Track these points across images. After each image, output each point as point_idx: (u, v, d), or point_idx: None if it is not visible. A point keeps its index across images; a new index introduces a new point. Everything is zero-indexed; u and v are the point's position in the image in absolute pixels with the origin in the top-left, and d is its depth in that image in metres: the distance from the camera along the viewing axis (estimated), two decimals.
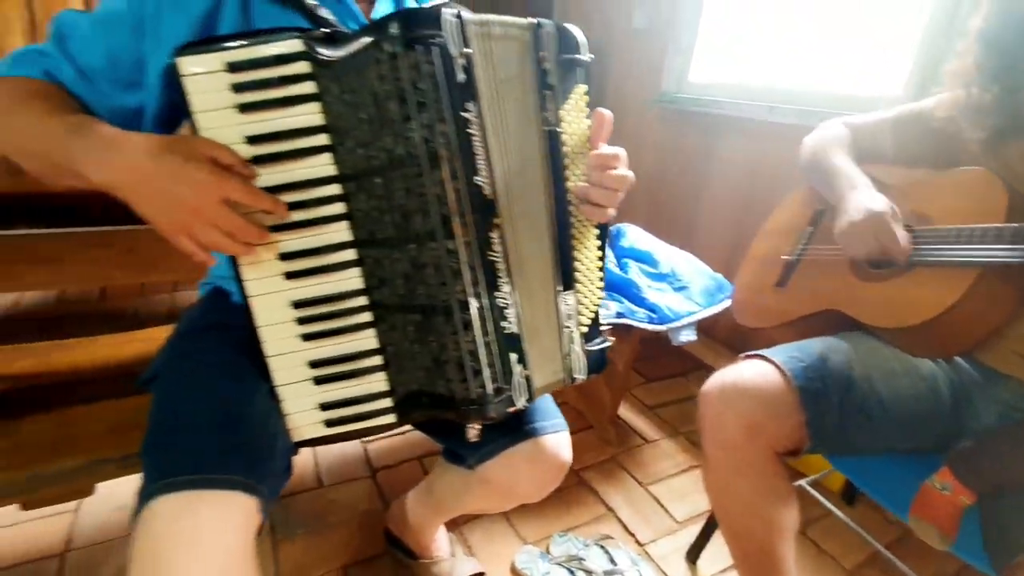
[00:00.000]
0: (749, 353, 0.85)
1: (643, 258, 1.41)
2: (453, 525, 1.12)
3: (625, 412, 1.63)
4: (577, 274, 0.62)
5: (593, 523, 1.23)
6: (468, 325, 0.54)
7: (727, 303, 1.34)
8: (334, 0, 0.65)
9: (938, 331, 0.77)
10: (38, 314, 1.88)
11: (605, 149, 0.60)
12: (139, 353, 0.95)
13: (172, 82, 0.56)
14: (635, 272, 1.35)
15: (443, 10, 0.49)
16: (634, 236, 1.48)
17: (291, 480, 0.67)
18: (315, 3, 0.61)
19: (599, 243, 0.64)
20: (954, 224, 0.76)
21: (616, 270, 1.37)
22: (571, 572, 1.08)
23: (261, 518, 0.56)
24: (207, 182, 0.50)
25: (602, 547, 1.15)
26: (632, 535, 1.21)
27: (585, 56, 0.58)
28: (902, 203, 0.82)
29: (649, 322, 1.24)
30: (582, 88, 0.59)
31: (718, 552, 1.13)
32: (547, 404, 0.76)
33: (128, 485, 1.16)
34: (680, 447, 1.51)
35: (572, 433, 0.86)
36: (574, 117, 0.59)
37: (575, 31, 0.58)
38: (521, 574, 1.08)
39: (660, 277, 1.36)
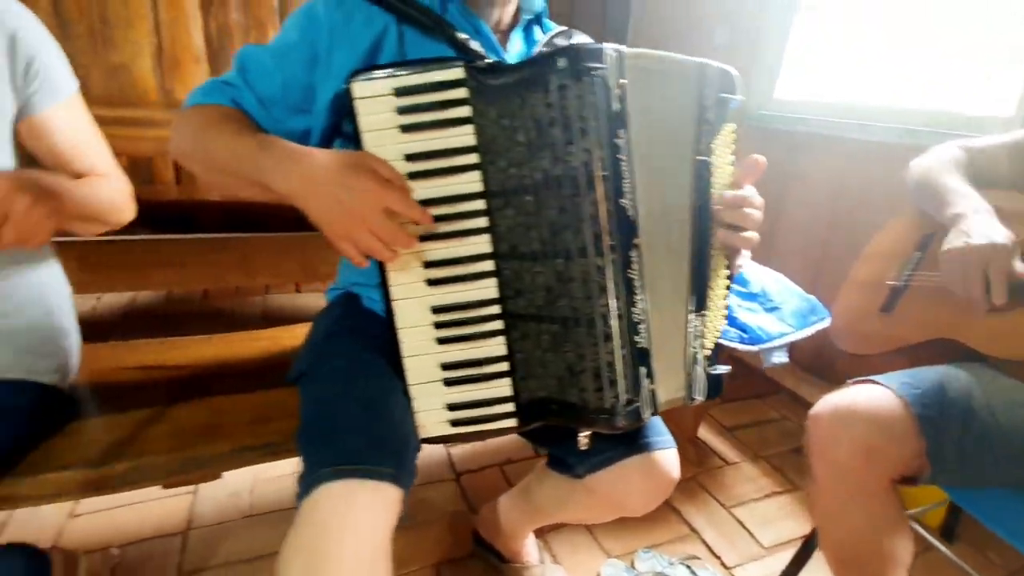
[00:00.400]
0: (858, 379, 0.83)
1: (736, 279, 1.39)
2: (537, 534, 1.15)
3: (703, 432, 1.61)
4: (710, 300, 0.64)
5: (677, 542, 1.22)
6: (608, 337, 0.57)
7: (820, 326, 1.31)
8: (476, 33, 0.71)
9: None
10: (151, 311, 2.06)
11: (750, 193, 0.63)
12: (264, 351, 1.03)
13: (340, 106, 0.62)
14: None
15: (605, 46, 0.53)
16: None
17: None
18: (466, 37, 0.66)
19: (727, 273, 0.66)
20: None
21: None
22: None
23: (401, 509, 0.61)
24: (372, 191, 0.55)
25: (688, 567, 1.14)
26: (718, 557, 1.19)
27: (739, 96, 0.60)
28: (1018, 231, 0.78)
29: (740, 342, 1.23)
30: (731, 126, 0.61)
31: None
32: (658, 421, 0.78)
33: (239, 476, 1.24)
34: (762, 471, 1.47)
35: None
36: (722, 152, 0.61)
37: (733, 72, 0.61)
38: None
39: (751, 297, 1.35)
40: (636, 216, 0.57)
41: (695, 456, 1.48)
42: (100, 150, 0.80)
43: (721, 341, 1.20)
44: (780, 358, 1.24)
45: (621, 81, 0.54)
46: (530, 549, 1.07)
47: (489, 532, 1.07)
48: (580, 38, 0.78)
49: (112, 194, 0.78)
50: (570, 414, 0.63)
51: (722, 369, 0.69)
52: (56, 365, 0.78)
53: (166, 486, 0.96)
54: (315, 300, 2.26)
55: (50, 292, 0.77)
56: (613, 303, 0.57)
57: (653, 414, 0.63)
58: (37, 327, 0.75)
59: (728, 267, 0.67)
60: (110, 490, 0.76)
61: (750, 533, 1.26)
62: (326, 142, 0.72)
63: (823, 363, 1.78)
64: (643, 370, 0.61)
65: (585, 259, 0.56)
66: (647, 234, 0.58)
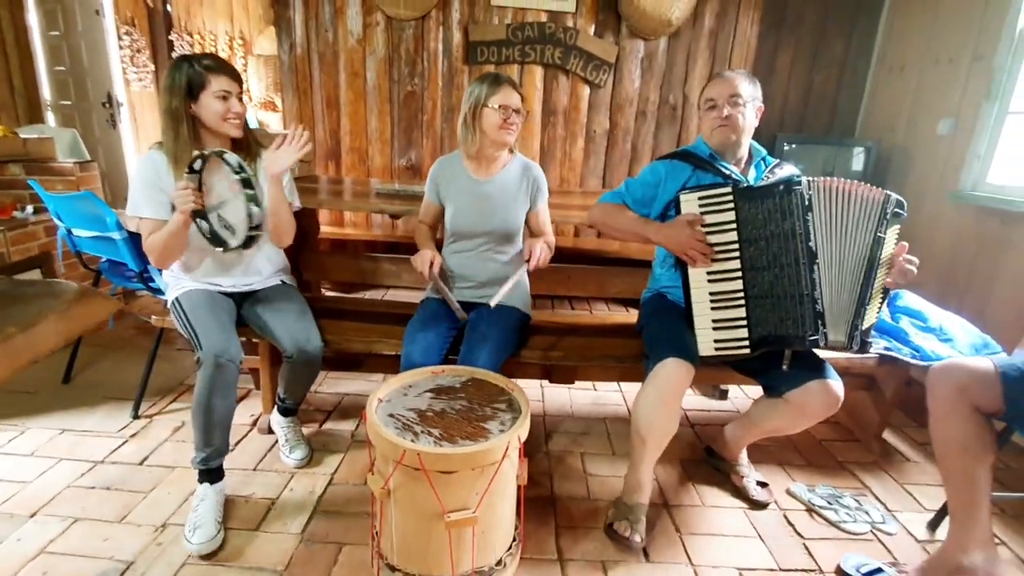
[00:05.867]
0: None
1: (915, 315, 1.89)
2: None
3: (893, 441, 2.05)
4: (868, 301, 1.34)
5: (850, 490, 1.76)
6: (802, 303, 1.33)
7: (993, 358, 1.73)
8: (733, 170, 1.54)
9: None
10: None
11: (905, 256, 1.33)
12: (609, 321, 1.95)
13: (672, 203, 1.51)
14: (905, 323, 1.85)
15: (801, 179, 1.32)
16: (909, 299, 1.96)
17: None
18: (729, 172, 1.52)
19: (882, 299, 1.37)
20: None
21: (889, 320, 1.89)
22: (828, 503, 1.66)
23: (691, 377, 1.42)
24: (688, 235, 1.41)
25: (856, 500, 1.69)
26: (883, 503, 1.70)
27: (904, 212, 1.33)
28: None
29: (912, 358, 1.75)
30: (897, 227, 1.34)
31: None
32: (828, 364, 1.45)
33: (571, 393, 2.19)
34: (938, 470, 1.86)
35: (839, 441, 1.64)
36: (891, 236, 1.33)
37: (903, 202, 1.33)
38: (792, 493, 1.72)
39: (928, 330, 1.83)
40: (816, 248, 1.33)
41: (879, 449, 1.96)
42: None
43: (896, 355, 1.76)
44: None
45: (809, 192, 1.32)
46: (744, 460, 1.76)
47: (718, 444, 1.79)
48: (788, 167, 1.56)
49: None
50: (780, 341, 1.38)
51: (868, 336, 1.35)
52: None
53: (552, 381, 1.94)
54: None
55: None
56: (806, 288, 1.33)
57: (825, 344, 1.33)
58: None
59: (884, 290, 1.36)
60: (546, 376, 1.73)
61: (914, 497, 1.72)
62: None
63: None
64: (820, 321, 1.33)
65: (792, 268, 1.34)
66: (824, 260, 1.33)
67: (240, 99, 1.53)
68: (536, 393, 2.27)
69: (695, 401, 2.31)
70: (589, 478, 1.76)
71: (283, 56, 3.12)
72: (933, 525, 1.60)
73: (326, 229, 3.23)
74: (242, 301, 1.69)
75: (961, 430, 1.27)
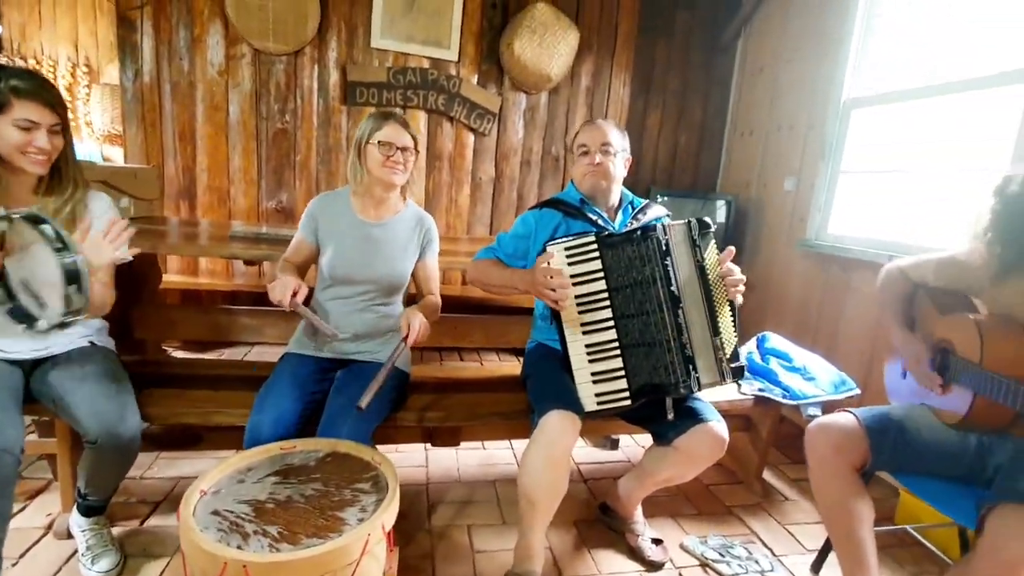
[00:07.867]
0: (841, 410, 1.41)
1: (782, 356, 1.99)
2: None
3: (771, 479, 2.10)
4: (720, 327, 1.33)
5: (739, 537, 1.74)
6: (670, 350, 1.29)
7: (850, 394, 1.85)
8: (598, 215, 1.52)
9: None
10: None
11: (730, 266, 1.35)
12: (496, 374, 1.82)
13: (541, 253, 1.44)
14: (774, 364, 1.94)
15: (657, 224, 1.31)
16: (776, 341, 2.07)
17: None
18: (596, 218, 1.49)
19: (731, 313, 1.36)
20: (966, 353, 1.24)
21: (759, 362, 1.97)
22: (721, 555, 1.62)
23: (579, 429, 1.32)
24: (543, 281, 1.32)
25: (745, 548, 1.66)
26: (770, 549, 1.69)
27: (712, 228, 1.34)
28: (933, 332, 1.36)
29: (783, 397, 1.81)
30: (712, 241, 1.35)
31: (836, 567, 1.56)
32: (712, 408, 1.42)
33: (457, 456, 2.00)
34: (813, 508, 1.92)
35: (725, 485, 1.57)
36: (710, 253, 1.34)
37: (707, 220, 1.35)
38: (686, 547, 1.65)
39: (793, 369, 1.92)
40: (679, 293, 1.31)
41: (760, 490, 1.99)
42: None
43: (769, 396, 1.81)
44: (815, 411, 1.79)
45: (664, 236, 1.31)
46: (639, 515, 1.67)
47: (612, 500, 1.69)
48: (654, 209, 1.58)
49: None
50: (656, 390, 1.33)
51: (739, 364, 1.34)
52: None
53: (433, 444, 1.75)
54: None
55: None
56: (673, 334, 1.30)
57: (699, 388, 1.31)
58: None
59: (731, 310, 1.36)
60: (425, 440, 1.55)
61: (796, 539, 1.74)
62: None
63: None
64: (690, 365, 1.31)
65: (657, 315, 1.31)
66: (685, 301, 1.31)
67: (56, 133, 1.23)
68: (420, 458, 2.04)
69: (586, 453, 2.22)
70: (476, 555, 1.56)
71: (126, 83, 2.75)
72: (816, 567, 1.61)
73: (174, 278, 2.80)
74: (33, 369, 1.32)
75: (843, 492, 1.29)
